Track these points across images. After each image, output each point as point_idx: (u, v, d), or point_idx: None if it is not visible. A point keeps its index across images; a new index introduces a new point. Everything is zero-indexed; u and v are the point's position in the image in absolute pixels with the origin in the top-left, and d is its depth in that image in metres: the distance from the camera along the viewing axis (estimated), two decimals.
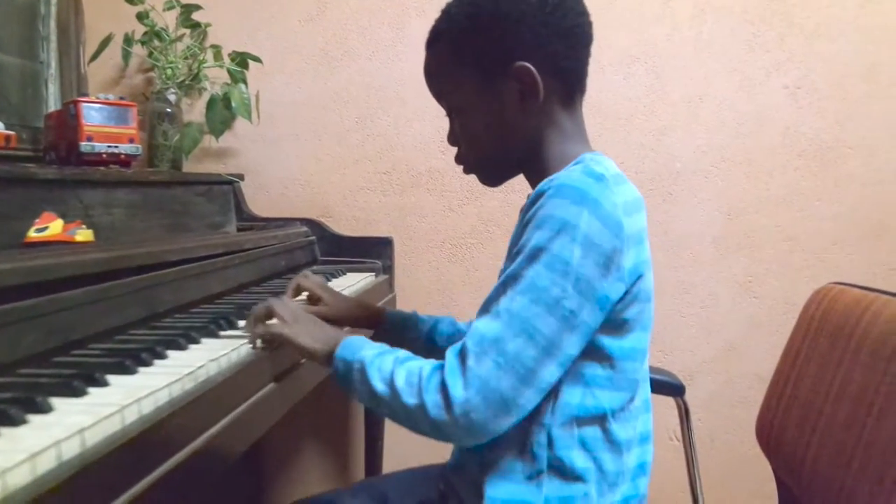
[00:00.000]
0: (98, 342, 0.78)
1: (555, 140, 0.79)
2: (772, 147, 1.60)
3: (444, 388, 0.68)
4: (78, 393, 0.61)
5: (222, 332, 0.87)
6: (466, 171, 0.85)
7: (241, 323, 0.85)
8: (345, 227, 1.64)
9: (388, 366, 0.72)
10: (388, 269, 1.55)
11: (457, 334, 1.01)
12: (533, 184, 0.83)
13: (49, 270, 0.73)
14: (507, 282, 0.69)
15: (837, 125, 1.58)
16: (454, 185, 1.65)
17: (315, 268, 1.52)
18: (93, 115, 1.21)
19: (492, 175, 0.85)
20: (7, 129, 1.20)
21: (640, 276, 0.73)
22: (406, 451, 1.67)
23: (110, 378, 0.65)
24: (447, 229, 1.67)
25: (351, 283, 1.33)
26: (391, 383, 0.71)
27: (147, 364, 0.71)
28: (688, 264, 1.63)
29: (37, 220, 0.91)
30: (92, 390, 0.62)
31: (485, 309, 0.71)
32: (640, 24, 1.60)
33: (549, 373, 0.68)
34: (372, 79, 1.65)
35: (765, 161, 1.61)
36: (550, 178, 0.72)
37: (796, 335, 0.95)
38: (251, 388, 0.80)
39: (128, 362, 0.69)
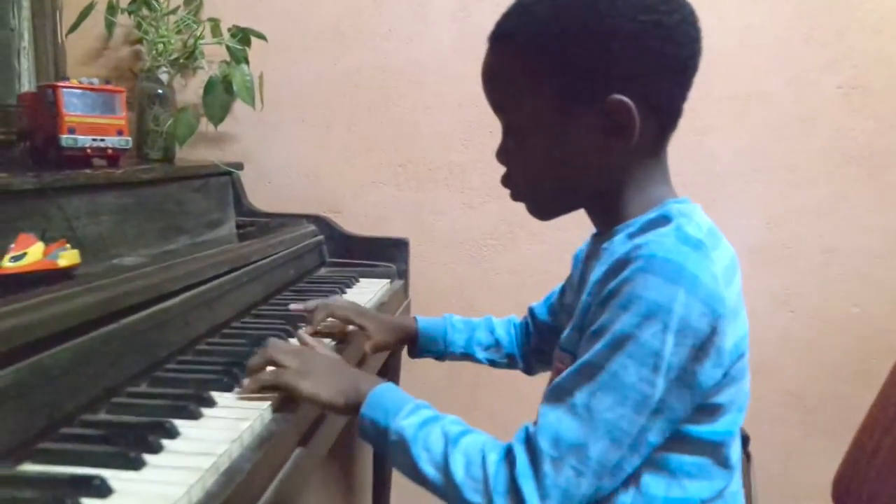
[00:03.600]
0: (91, 412, 0.64)
1: (635, 183, 0.66)
2: (818, 151, 1.48)
3: (516, 493, 0.57)
4: None
5: (237, 385, 0.74)
6: (514, 197, 0.72)
7: (245, 382, 0.72)
8: (354, 224, 1.49)
9: (437, 446, 0.61)
10: (404, 274, 1.42)
11: (496, 345, 0.94)
12: (600, 224, 0.71)
13: (24, 332, 0.59)
14: (585, 371, 0.58)
15: (892, 130, 1.46)
16: (475, 180, 1.51)
17: (324, 271, 1.38)
18: (74, 104, 1.04)
19: (546, 210, 0.72)
20: None
21: (741, 356, 0.62)
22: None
23: (111, 478, 0.52)
24: (467, 229, 1.53)
25: (369, 294, 1.20)
26: (446, 471, 0.60)
27: (155, 450, 0.58)
28: None
29: (12, 246, 0.75)
30: None
31: (556, 396, 0.60)
32: None
33: (631, 465, 0.59)
34: (388, 60, 1.49)
35: (810, 166, 1.49)
36: (637, 243, 0.60)
37: (892, 385, 0.84)
38: (277, 462, 0.68)
39: (132, 454, 0.56)
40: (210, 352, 0.85)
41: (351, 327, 0.95)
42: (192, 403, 0.66)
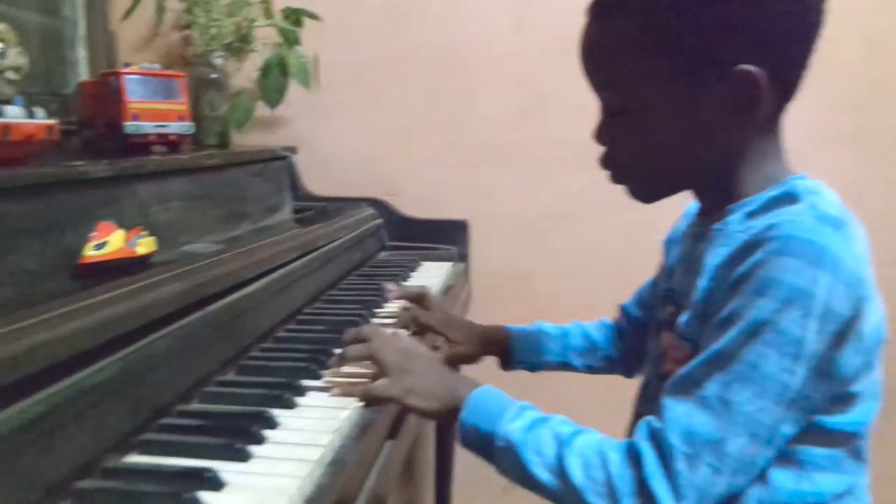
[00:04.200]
0: (185, 403, 0.62)
1: (753, 159, 0.62)
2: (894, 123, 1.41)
3: (646, 493, 0.53)
4: None
5: (325, 372, 0.72)
6: (616, 179, 0.67)
7: (328, 374, 0.70)
8: (409, 206, 1.46)
9: (549, 448, 0.57)
10: (464, 257, 1.38)
11: (592, 349, 0.87)
12: (708, 203, 0.67)
13: (125, 320, 0.57)
14: (717, 361, 0.54)
15: None
16: (533, 160, 1.47)
17: (384, 255, 1.36)
18: (137, 90, 1.03)
19: (653, 192, 0.67)
20: (31, 97, 1.01)
21: (880, 341, 0.58)
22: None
23: (223, 470, 0.50)
24: (525, 210, 1.49)
25: (434, 278, 1.17)
26: (563, 475, 0.56)
27: (259, 441, 0.56)
28: None
29: (93, 234, 0.74)
30: (205, 498, 0.47)
31: (683, 388, 0.56)
32: None
33: (766, 459, 0.56)
34: (444, 38, 1.44)
35: (884, 138, 1.42)
36: (769, 223, 0.56)
37: None
38: (373, 454, 0.65)
39: (238, 445, 0.54)
40: (290, 339, 0.83)
41: None
42: (286, 392, 0.65)
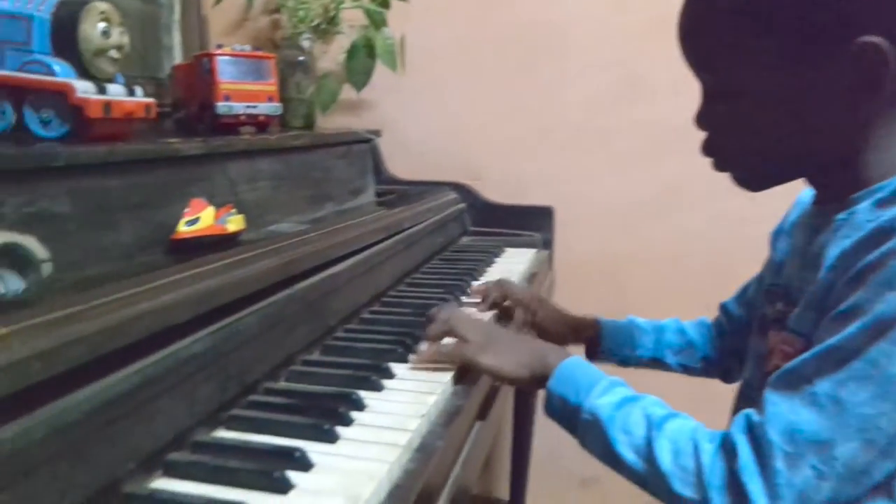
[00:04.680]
0: (272, 380, 0.62)
1: (877, 141, 0.55)
2: None
3: (738, 489, 0.49)
4: (281, 488, 0.45)
5: (412, 355, 0.70)
6: (720, 167, 0.62)
7: (422, 347, 0.69)
8: (493, 191, 1.42)
9: (639, 429, 0.54)
10: (549, 244, 1.34)
11: (689, 347, 0.82)
12: (827, 191, 0.61)
13: (217, 294, 0.57)
14: (832, 356, 0.49)
15: None
16: (622, 146, 1.41)
17: (466, 240, 1.34)
18: (229, 71, 1.04)
19: (763, 181, 0.62)
20: (129, 80, 1.05)
21: None
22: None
23: (311, 449, 0.49)
24: (613, 197, 1.43)
25: (520, 265, 1.14)
26: (650, 458, 0.53)
27: (346, 423, 0.54)
28: None
29: (186, 210, 0.75)
30: (294, 477, 0.46)
31: (789, 382, 0.51)
32: None
33: (881, 471, 0.50)
34: (534, 18, 1.40)
35: None
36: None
37: None
38: (461, 438, 0.63)
39: (326, 425, 0.52)
40: (375, 320, 0.82)
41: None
42: (373, 374, 0.63)
